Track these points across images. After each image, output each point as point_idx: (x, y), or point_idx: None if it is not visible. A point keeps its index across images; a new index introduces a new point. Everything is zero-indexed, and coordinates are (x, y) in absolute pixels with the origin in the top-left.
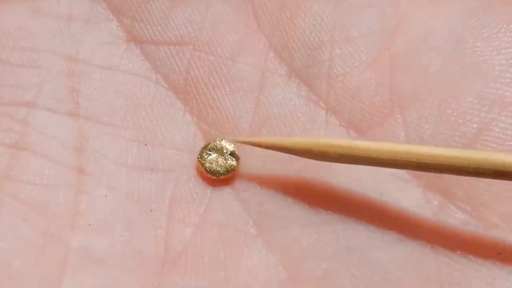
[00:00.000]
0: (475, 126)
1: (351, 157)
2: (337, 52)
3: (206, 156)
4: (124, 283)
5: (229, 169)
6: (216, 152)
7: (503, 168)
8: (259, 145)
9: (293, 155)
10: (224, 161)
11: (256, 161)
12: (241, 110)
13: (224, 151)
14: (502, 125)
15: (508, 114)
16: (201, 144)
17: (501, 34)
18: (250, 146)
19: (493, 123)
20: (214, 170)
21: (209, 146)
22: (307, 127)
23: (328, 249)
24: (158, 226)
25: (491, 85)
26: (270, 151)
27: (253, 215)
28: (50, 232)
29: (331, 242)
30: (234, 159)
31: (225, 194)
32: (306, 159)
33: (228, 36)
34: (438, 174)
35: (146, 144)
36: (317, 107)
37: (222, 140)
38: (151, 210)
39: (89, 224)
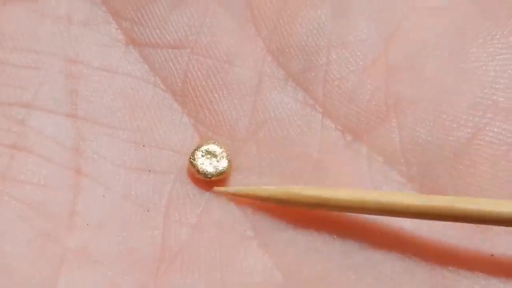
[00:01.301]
0: (469, 130)
1: (322, 206)
2: (334, 57)
3: (197, 158)
4: (121, 283)
5: (220, 172)
6: (207, 155)
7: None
8: (234, 195)
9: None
10: (215, 164)
11: (249, 163)
12: (238, 113)
13: (215, 153)
14: (496, 130)
15: (502, 119)
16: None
17: (495, 41)
18: (243, 148)
19: (487, 128)
20: (205, 172)
21: (200, 148)
22: (303, 130)
23: (324, 251)
24: (155, 227)
25: (485, 90)
26: (264, 154)
27: (250, 217)
28: (48, 231)
29: (326, 244)
30: (225, 162)
31: (222, 195)
32: (300, 163)
33: (226, 40)
34: (434, 178)
35: (143, 146)
36: (314, 111)
37: (214, 143)
38: (148, 211)
39: (87, 224)
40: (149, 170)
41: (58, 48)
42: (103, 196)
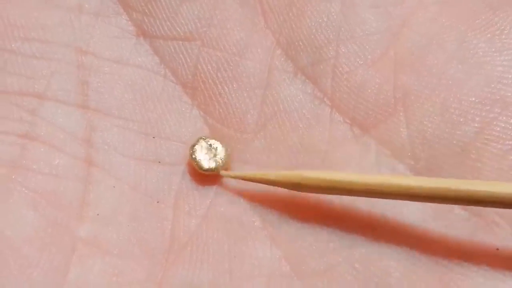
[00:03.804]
0: (476, 125)
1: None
2: (343, 50)
3: (196, 151)
4: (130, 272)
5: (218, 167)
6: (207, 149)
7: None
8: (244, 179)
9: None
10: (213, 158)
11: (258, 156)
12: (247, 106)
13: (215, 148)
14: (503, 125)
15: (509, 114)
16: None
17: (503, 36)
18: (252, 141)
19: (494, 123)
20: (203, 165)
21: (201, 142)
22: (311, 123)
23: (331, 243)
24: (164, 218)
25: (492, 85)
26: (273, 147)
27: (258, 209)
28: (58, 221)
29: (334, 236)
30: (224, 157)
31: (231, 187)
32: (309, 156)
33: (236, 32)
34: (441, 172)
35: (154, 137)
36: (322, 104)
37: (213, 139)
38: (157, 202)
39: (97, 214)
40: (159, 162)
41: (69, 39)
42: (114, 187)
